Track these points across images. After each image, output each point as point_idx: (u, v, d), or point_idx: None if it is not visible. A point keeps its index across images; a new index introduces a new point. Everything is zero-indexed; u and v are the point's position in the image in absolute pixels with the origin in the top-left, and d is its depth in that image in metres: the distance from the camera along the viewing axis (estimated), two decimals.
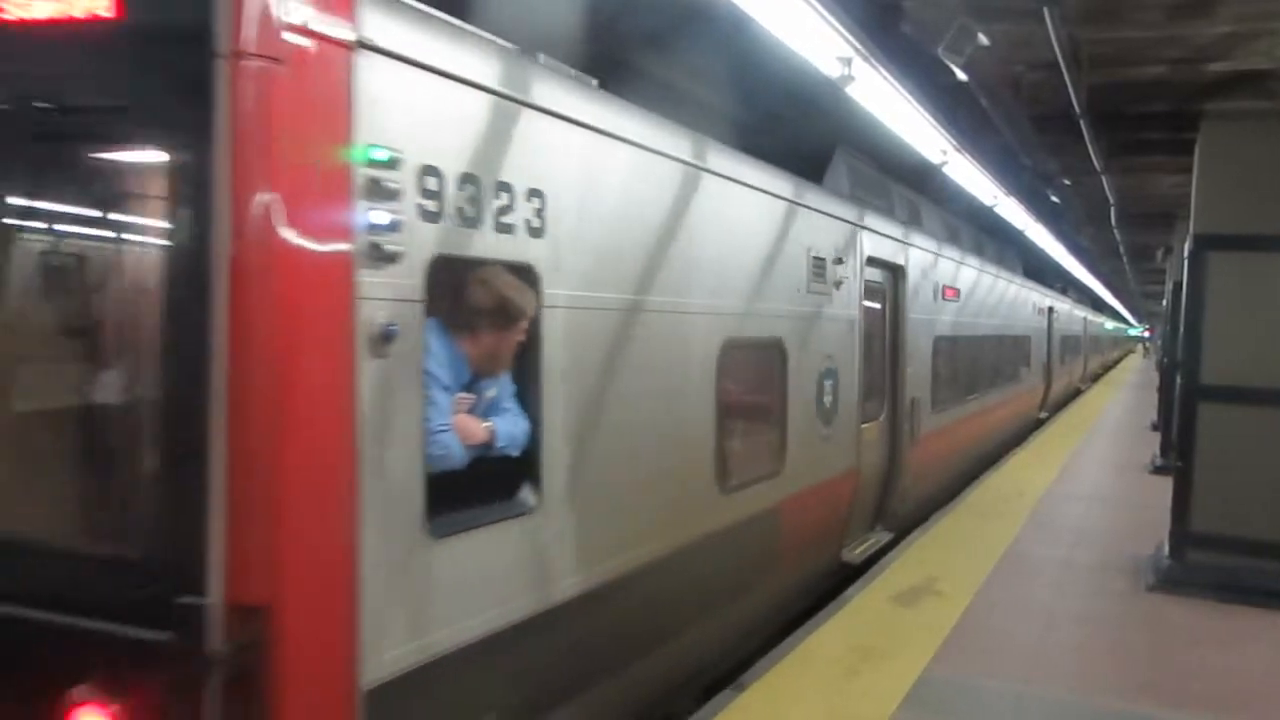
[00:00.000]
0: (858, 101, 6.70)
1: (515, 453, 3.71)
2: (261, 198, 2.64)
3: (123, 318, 3.12)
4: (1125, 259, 24.76)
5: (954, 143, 8.56)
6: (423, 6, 3.30)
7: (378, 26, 2.96)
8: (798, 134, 7.44)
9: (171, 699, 2.63)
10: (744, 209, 5.62)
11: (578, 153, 4.01)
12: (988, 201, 12.46)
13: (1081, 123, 7.80)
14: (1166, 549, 7.32)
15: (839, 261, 7.10)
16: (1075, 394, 26.51)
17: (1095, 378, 34.75)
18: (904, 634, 5.89)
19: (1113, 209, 13.72)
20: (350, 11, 2.86)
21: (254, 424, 2.63)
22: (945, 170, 9.73)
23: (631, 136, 4.40)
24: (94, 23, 2.71)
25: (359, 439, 2.89)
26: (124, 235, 3.09)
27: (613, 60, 5.73)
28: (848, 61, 5.83)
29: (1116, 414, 21.99)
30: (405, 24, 3.13)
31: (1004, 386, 14.50)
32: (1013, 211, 13.60)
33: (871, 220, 7.97)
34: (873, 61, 5.87)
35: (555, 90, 3.86)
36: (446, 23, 3.40)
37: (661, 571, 4.60)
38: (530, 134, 3.70)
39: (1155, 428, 16.01)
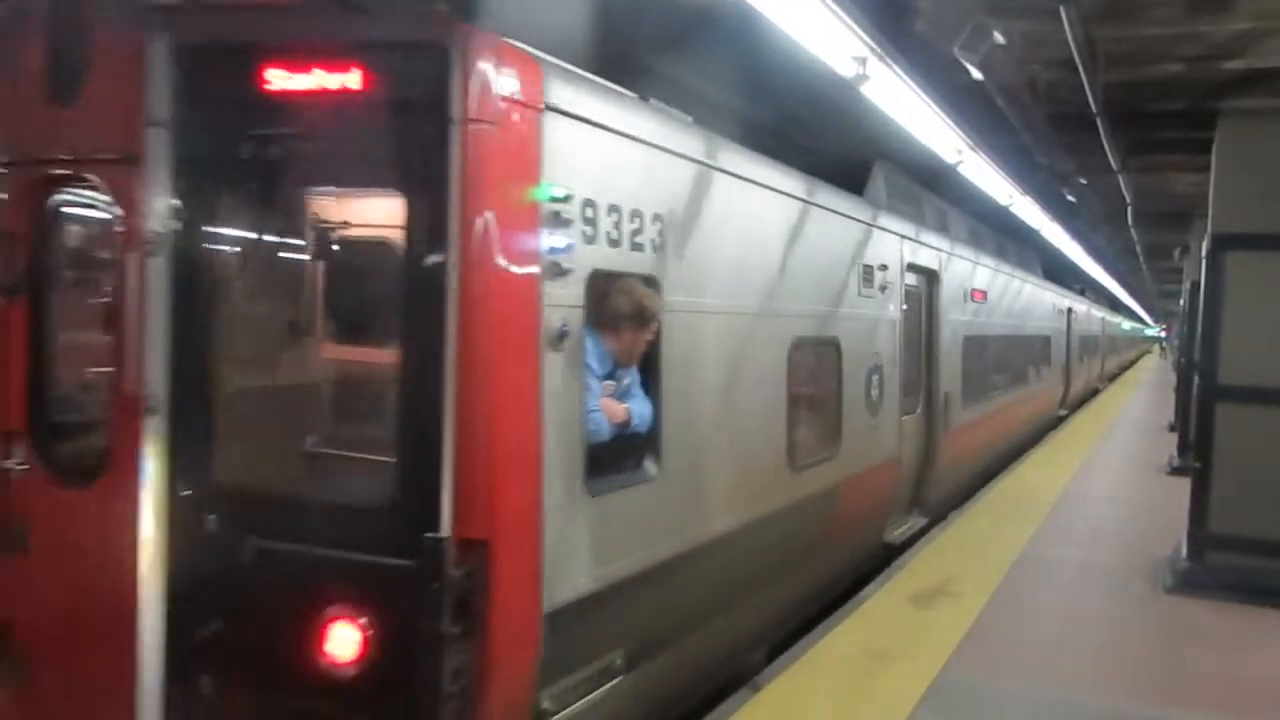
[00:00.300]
0: (893, 118, 7.12)
1: (643, 430, 4.42)
2: (480, 228, 3.39)
3: (379, 321, 3.87)
4: (1142, 258, 24.61)
5: (969, 142, 8.52)
6: (579, 70, 4.09)
7: (556, 93, 3.72)
8: (839, 146, 8.20)
9: (413, 613, 3.31)
10: (810, 225, 6.30)
11: (684, 181, 4.75)
12: (1003, 201, 12.42)
13: (1098, 121, 7.76)
14: (1185, 550, 7.26)
15: (884, 268, 7.80)
16: (1094, 393, 26.98)
17: (1112, 377, 35.49)
18: (920, 636, 5.87)
19: (1129, 208, 13.64)
20: (539, 83, 3.64)
21: (475, 405, 3.38)
22: (960, 170, 9.70)
23: (724, 166, 5.12)
24: (348, 94, 3.46)
25: (542, 416, 3.64)
26: (382, 257, 3.78)
27: (660, 79, 6.29)
28: (863, 61, 5.81)
29: (1133, 414, 21.86)
30: (572, 88, 3.88)
31: (1027, 384, 15.17)
32: (1029, 211, 13.55)
33: (910, 230, 8.66)
34: (888, 61, 5.85)
35: (667, 130, 4.62)
36: (595, 82, 4.19)
37: (745, 536, 5.25)
38: (652, 168, 4.45)
39: (1172, 428, 15.91)
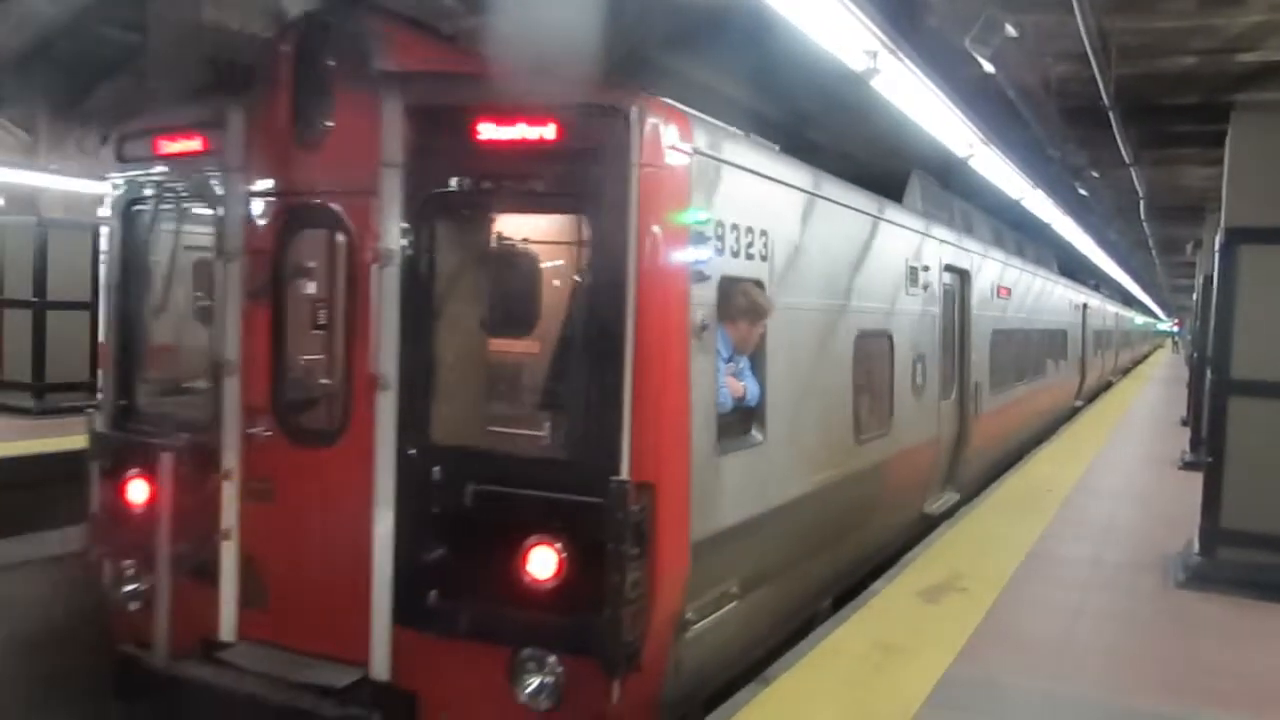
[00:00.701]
0: (932, 133, 7.97)
1: (753, 405, 5.44)
2: (649, 244, 4.40)
3: (570, 316, 4.87)
4: (1154, 252, 24.53)
5: (981, 136, 8.49)
6: (713, 120, 5.21)
7: (699, 139, 4.77)
8: (882, 158, 9.42)
9: (601, 538, 4.24)
10: (871, 234, 7.39)
11: (781, 202, 5.78)
12: (1015, 195, 12.38)
13: (1110, 115, 7.73)
14: (1196, 545, 7.23)
15: (926, 269, 8.77)
16: (1107, 385, 27.61)
17: (1125, 371, 36.14)
18: (929, 631, 5.86)
19: (1142, 202, 13.59)
20: (689, 133, 4.70)
21: (645, 381, 4.36)
22: (971, 164, 9.66)
23: (809, 188, 6.16)
24: (544, 142, 4.46)
25: (690, 390, 4.64)
26: (572, 266, 4.87)
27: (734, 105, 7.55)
28: (873, 55, 5.79)
29: (1145, 409, 21.77)
30: (708, 135, 4.93)
31: (1046, 375, 16.21)
32: (1041, 205, 13.48)
33: (947, 234, 9.62)
34: (899, 54, 5.83)
35: (768, 161, 5.70)
36: (722, 128, 5.31)
37: (821, 496, 6.26)
38: (759, 193, 5.49)
39: (1184, 423, 15.84)
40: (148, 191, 5.57)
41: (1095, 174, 12.75)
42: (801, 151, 6.18)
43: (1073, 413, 19.43)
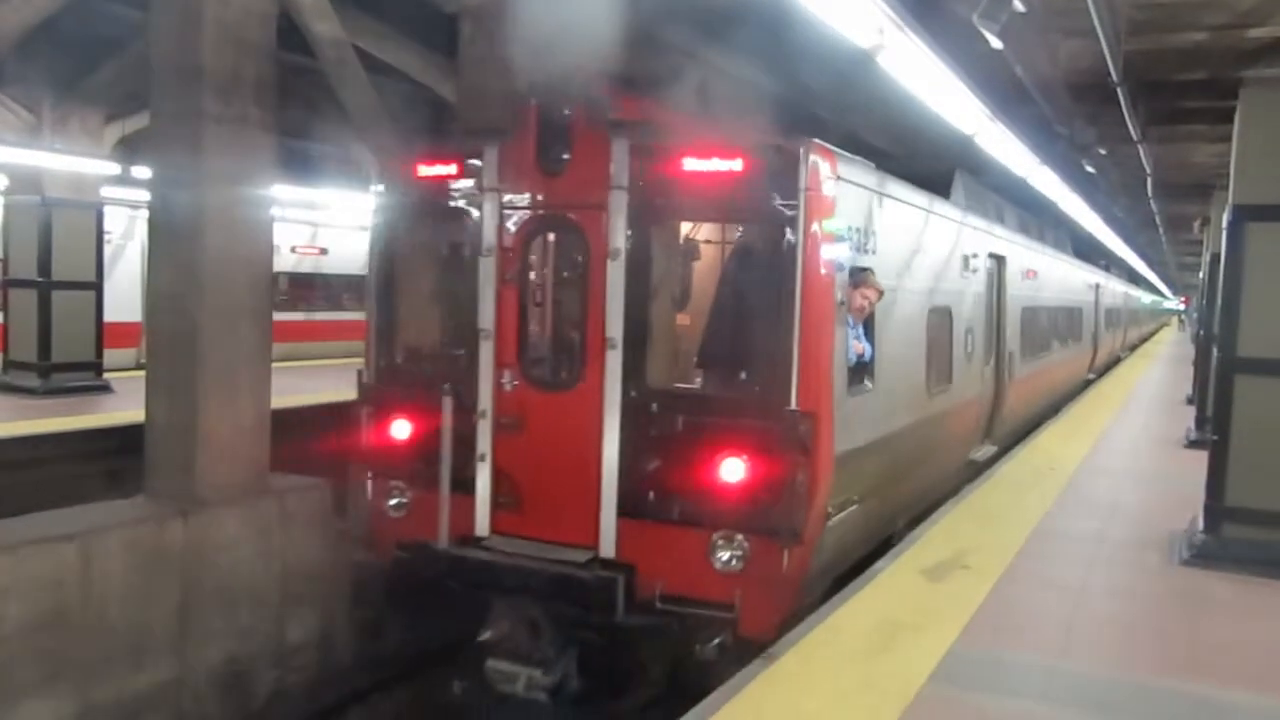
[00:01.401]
0: (982, 148, 9.24)
1: (866, 362, 6.91)
2: (810, 245, 5.94)
3: (761, 293, 6.27)
4: (1161, 230, 24.41)
5: (988, 111, 8.43)
6: (847, 154, 6.54)
7: (840, 169, 6.30)
8: (929, 159, 10.94)
9: (775, 454, 5.91)
10: (939, 228, 9.07)
11: (881, 208, 7.19)
12: (1021, 173, 12.36)
13: (1119, 91, 7.67)
14: (1201, 523, 7.24)
15: (974, 256, 10.33)
16: (1116, 361, 29.20)
17: (1133, 347, 37.70)
18: (933, 608, 5.88)
19: (1149, 179, 13.51)
20: (835, 165, 6.23)
21: (807, 340, 5.96)
22: (977, 140, 9.61)
23: (898, 196, 7.63)
24: (733, 173, 6.08)
25: (834, 349, 6.22)
26: (763, 269, 6.32)
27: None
28: (880, 30, 5.75)
29: (1151, 387, 21.75)
30: (846, 164, 6.44)
31: (1064, 349, 17.83)
32: (1048, 182, 13.46)
33: (987, 225, 11.23)
34: (906, 30, 5.79)
35: (874, 177, 7.09)
36: (852, 158, 6.63)
37: (905, 434, 7.83)
38: (869, 203, 6.97)
39: (1190, 401, 15.82)
40: (407, 202, 7.11)
41: (1102, 151, 12.68)
42: (868, 155, 7.38)
43: (1086, 384, 20.78)
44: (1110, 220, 21.05)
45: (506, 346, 6.68)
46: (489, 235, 6.64)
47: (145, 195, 11.83)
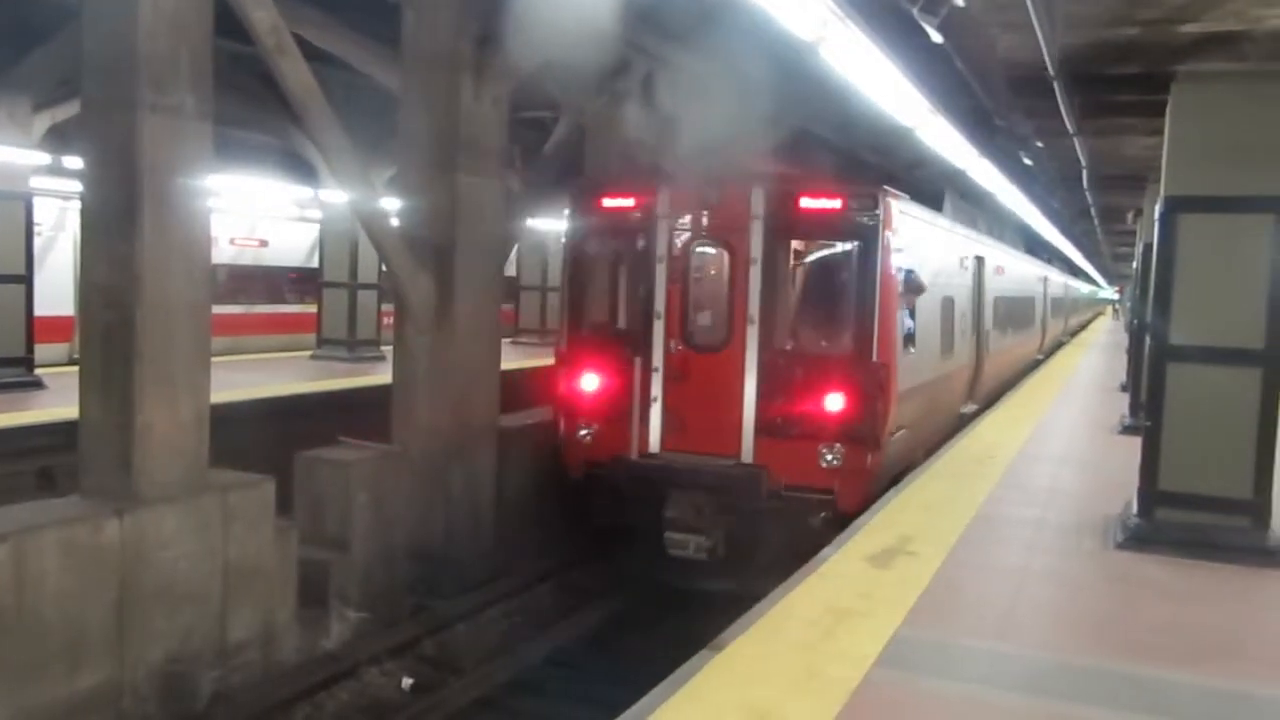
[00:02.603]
0: (975, 177, 12.52)
1: (912, 332, 9.89)
2: (885, 259, 9.06)
3: (852, 286, 9.22)
4: (1096, 221, 24.91)
5: (930, 105, 8.55)
6: (904, 194, 9.87)
7: (904, 208, 9.62)
8: (923, 178, 14.20)
9: (862, 391, 8.95)
10: (948, 240, 12.58)
11: (927, 230, 10.61)
12: (960, 165, 12.56)
13: (1055, 85, 7.80)
14: (1135, 507, 7.42)
15: (966, 258, 13.86)
16: (1059, 345, 32.90)
17: (1074, 333, 42.69)
18: (878, 595, 5.96)
19: (1084, 171, 13.77)
20: (901, 204, 9.42)
21: (883, 318, 9.04)
22: (918, 134, 9.75)
23: (931, 221, 11.05)
24: (834, 210, 9.13)
25: (897, 323, 9.28)
26: (853, 271, 9.27)
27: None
28: (824, 23, 5.79)
29: (1086, 375, 22.22)
30: (908, 204, 9.84)
31: (1021, 331, 21.27)
32: (987, 173, 13.67)
33: (973, 233, 14.85)
34: (849, 23, 5.83)
35: (914, 208, 10.11)
36: (909, 200, 9.90)
37: (929, 385, 11.05)
38: (918, 227, 10.16)
39: (1124, 388, 16.20)
40: (592, 224, 10.04)
41: (1040, 144, 12.90)
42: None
43: (1036, 364, 24.10)
44: (1048, 211, 21.48)
45: (673, 324, 9.53)
46: (661, 248, 9.53)
47: (77, 186, 11.53)
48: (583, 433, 9.77)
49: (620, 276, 10.22)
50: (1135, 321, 15.67)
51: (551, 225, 21.71)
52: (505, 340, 11.45)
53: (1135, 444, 7.67)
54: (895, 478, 9.61)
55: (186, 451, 6.89)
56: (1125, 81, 7.95)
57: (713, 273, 9.79)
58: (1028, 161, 14.35)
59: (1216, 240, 7.06)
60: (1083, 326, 52.02)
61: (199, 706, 6.76)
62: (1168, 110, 7.18)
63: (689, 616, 8.16)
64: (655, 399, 9.46)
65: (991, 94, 9.73)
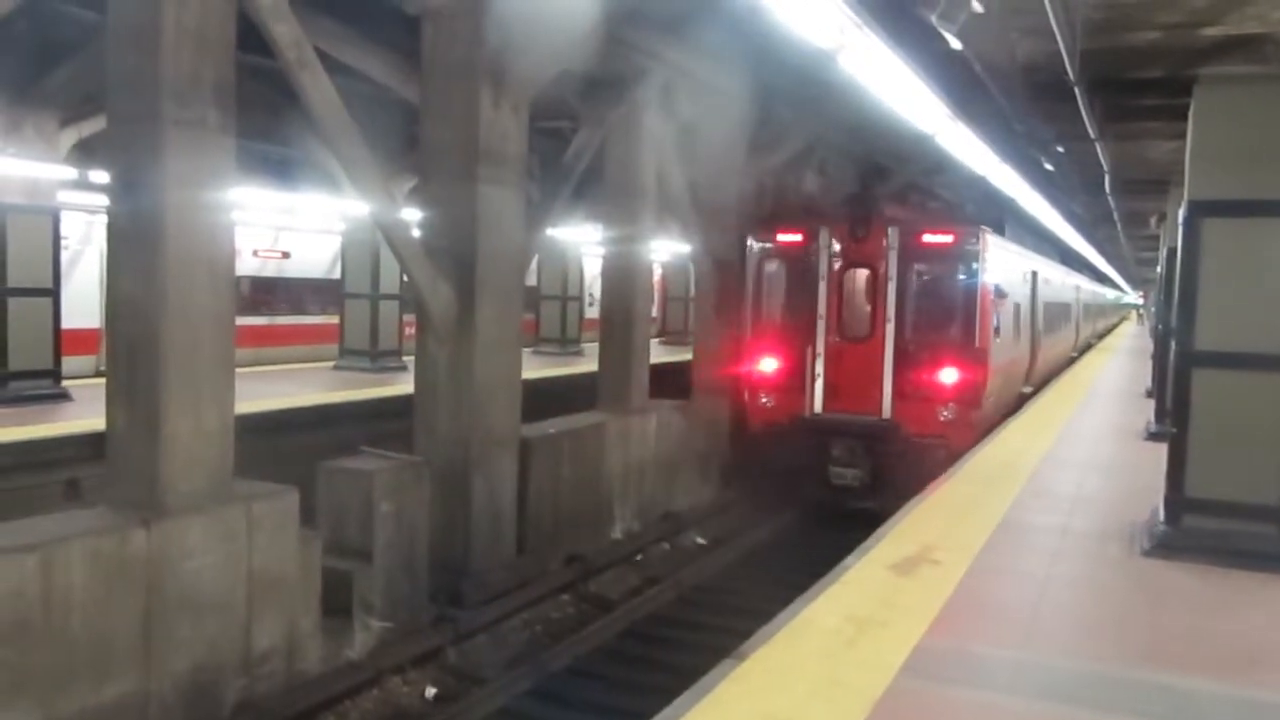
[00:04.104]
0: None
1: (998, 328, 13.65)
2: (984, 277, 13.14)
3: (961, 296, 13.08)
4: (1119, 226, 24.77)
5: (949, 111, 8.53)
6: (992, 230, 13.88)
7: (993, 239, 13.47)
8: (989, 210, 17.73)
9: (968, 367, 12.84)
10: (1017, 260, 16.10)
11: (1006, 255, 14.70)
12: (980, 171, 12.58)
13: (1076, 90, 7.77)
14: (1161, 514, 7.36)
15: (1026, 272, 17.10)
16: (1088, 346, 36.36)
17: (1101, 336, 46.05)
18: (901, 603, 5.94)
19: (1107, 176, 13.71)
20: (994, 237, 13.47)
21: (982, 317, 12.96)
22: (938, 139, 9.72)
23: (1003, 247, 14.46)
24: (954, 241, 13.02)
25: (991, 321, 13.28)
26: (960, 284, 13.17)
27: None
28: (841, 29, 5.79)
29: (1111, 381, 22.06)
30: (995, 236, 13.65)
31: (1060, 332, 24.72)
32: (1008, 179, 13.67)
33: (1029, 253, 18.11)
34: (868, 30, 5.83)
35: (998, 238, 13.73)
36: (994, 232, 13.75)
37: (1006, 366, 14.73)
38: (1001, 255, 14.10)
39: (1150, 394, 16.06)
40: (770, 250, 13.85)
41: (1061, 149, 12.86)
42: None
43: (1071, 361, 27.71)
44: (1070, 216, 21.45)
45: (832, 322, 13.34)
46: (823, 269, 13.35)
47: (103, 200, 11.65)
48: (764, 399, 13.71)
49: (792, 289, 13.77)
50: (1160, 326, 15.58)
51: (571, 235, 21.80)
52: (526, 350, 11.43)
53: (1161, 450, 7.61)
54: (985, 429, 13.32)
55: (211, 462, 6.94)
56: (1147, 85, 7.92)
57: (859, 286, 13.43)
58: (1049, 167, 14.30)
59: (1241, 244, 7.00)
60: (1109, 331, 53.67)
61: (224, 715, 6.80)
62: (1190, 114, 7.13)
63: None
64: (819, 375, 13.28)
65: (1011, 99, 9.70)
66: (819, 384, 13.23)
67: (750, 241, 13.96)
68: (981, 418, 13.13)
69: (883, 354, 12.88)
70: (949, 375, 12.65)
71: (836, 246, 13.26)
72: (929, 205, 17.97)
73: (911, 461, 12.29)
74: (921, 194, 19.04)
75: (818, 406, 13.23)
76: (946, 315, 13.07)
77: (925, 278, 13.21)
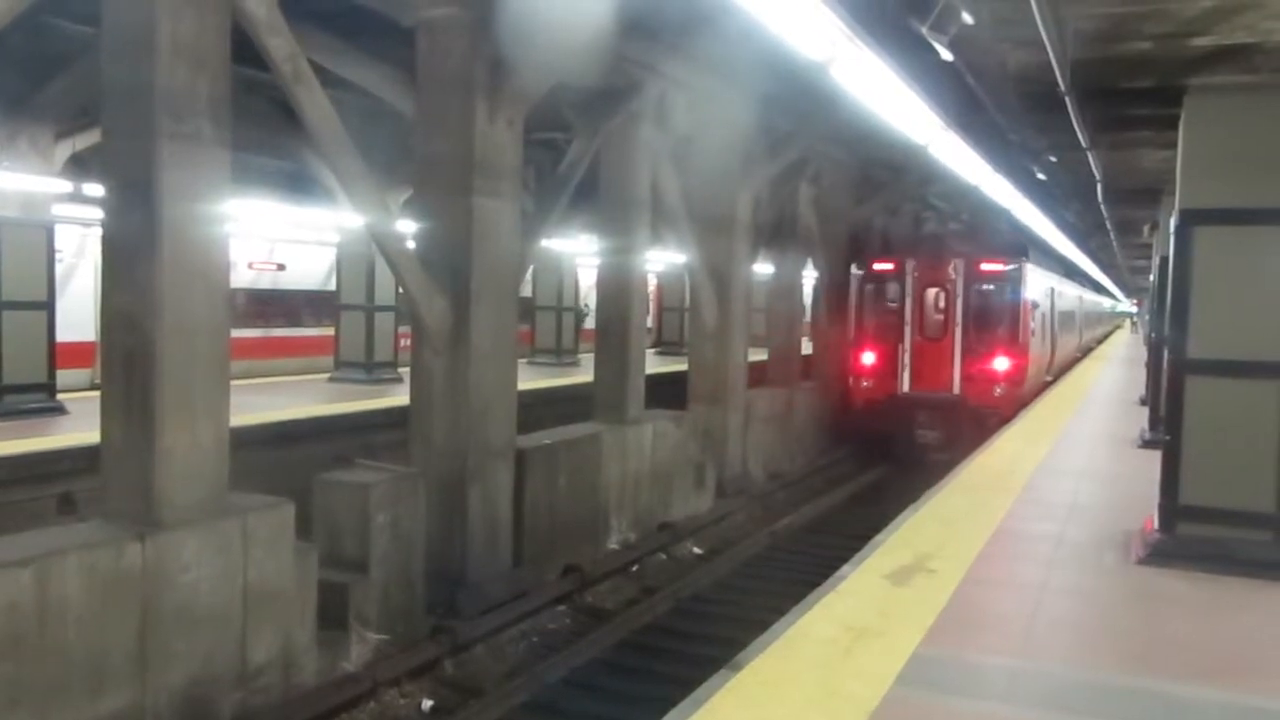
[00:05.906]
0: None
1: (1033, 329, 18.81)
2: (1026, 295, 18.41)
3: (1008, 308, 18.38)
4: (1112, 234, 24.88)
5: (942, 121, 8.57)
6: (1031, 259, 19.73)
7: (1031, 266, 19.05)
8: (1012, 238, 21.68)
9: (1014, 357, 18.09)
10: (1044, 278, 21.12)
11: (1037, 277, 19.84)
12: (973, 180, 12.56)
13: (1067, 100, 7.81)
14: (1156, 522, 7.38)
15: (1048, 287, 21.49)
16: (1088, 350, 40.09)
17: (1099, 341, 50.20)
18: (897, 612, 5.94)
19: (1099, 185, 13.77)
20: (1030, 263, 18.97)
21: (1023, 323, 18.28)
22: (930, 150, 9.76)
23: (1038, 268, 20.15)
24: (1003, 268, 18.29)
25: (1029, 326, 18.70)
26: (1007, 299, 18.46)
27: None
28: (833, 41, 5.82)
29: (1105, 389, 22.16)
30: (1034, 263, 19.47)
31: (1068, 336, 28.50)
32: (1001, 189, 13.69)
33: (1049, 273, 22.35)
34: (859, 42, 5.87)
35: (1032, 264, 19.23)
36: (1031, 260, 19.44)
37: (1036, 359, 19.47)
38: (1036, 276, 19.61)
39: (1143, 402, 16.11)
40: (868, 275, 19.02)
41: (1053, 158, 12.91)
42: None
43: (1075, 361, 31.80)
44: (1063, 225, 21.66)
45: (916, 326, 18.05)
46: (910, 290, 18.17)
47: (98, 213, 11.66)
48: (865, 384, 18.51)
49: (886, 303, 18.72)
50: (1153, 335, 15.61)
51: (566, 246, 21.83)
52: (521, 360, 11.43)
53: (1156, 458, 7.63)
54: (1025, 402, 18.01)
55: (206, 475, 6.93)
56: (1138, 95, 7.97)
57: (935, 301, 18.30)
58: (1041, 176, 14.36)
59: (1232, 252, 7.04)
60: (1106, 336, 58.71)
61: None
62: (1180, 123, 7.18)
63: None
64: (907, 365, 18.09)
65: (1003, 110, 9.75)
66: (907, 371, 18.18)
67: (854, 268, 19.20)
68: (1023, 394, 18.23)
69: (952, 348, 17.83)
70: (1001, 363, 17.65)
71: (918, 273, 18.22)
72: (979, 237, 21.95)
73: (974, 425, 16.70)
74: (973, 228, 23.89)
75: (906, 386, 18.17)
76: (997, 321, 17.95)
77: (982, 294, 18.01)
